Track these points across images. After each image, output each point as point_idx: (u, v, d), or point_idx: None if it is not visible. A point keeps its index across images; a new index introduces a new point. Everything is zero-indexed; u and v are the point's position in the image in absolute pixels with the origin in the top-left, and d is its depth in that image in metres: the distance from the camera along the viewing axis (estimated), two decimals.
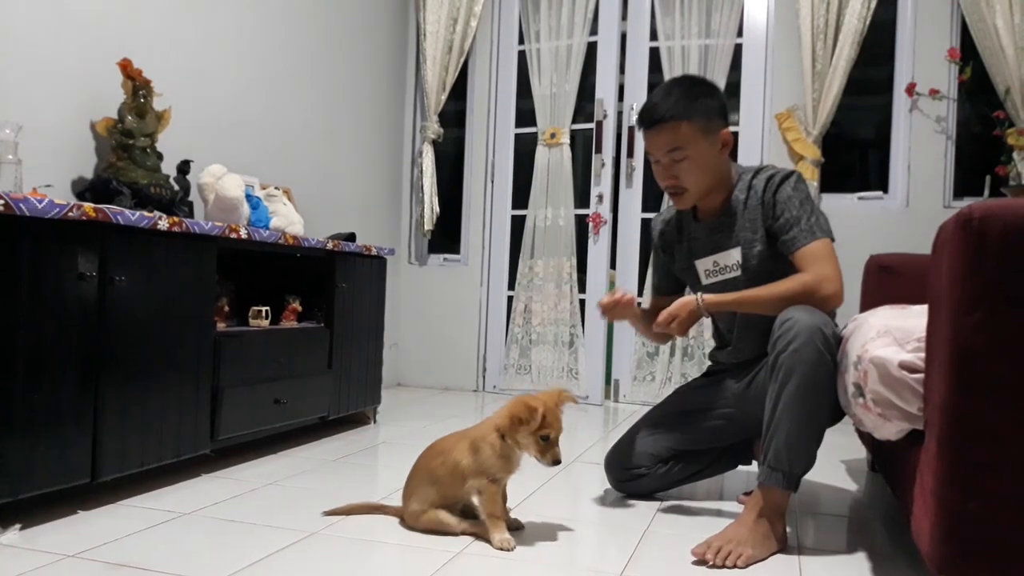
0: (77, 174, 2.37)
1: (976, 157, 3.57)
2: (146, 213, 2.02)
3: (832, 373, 1.70)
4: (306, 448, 2.73)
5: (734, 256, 2.01)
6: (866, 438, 2.27)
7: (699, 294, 1.97)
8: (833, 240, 1.90)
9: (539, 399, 1.75)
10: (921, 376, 1.35)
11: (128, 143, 2.37)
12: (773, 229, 1.93)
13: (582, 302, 4.11)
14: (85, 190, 2.32)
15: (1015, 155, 3.29)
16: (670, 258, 2.23)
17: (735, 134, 3.80)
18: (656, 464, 2.15)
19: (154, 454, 2.09)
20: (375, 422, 3.28)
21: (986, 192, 3.35)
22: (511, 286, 4.29)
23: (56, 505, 1.89)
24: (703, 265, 2.09)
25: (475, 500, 1.82)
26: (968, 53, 3.44)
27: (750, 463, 2.25)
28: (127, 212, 1.95)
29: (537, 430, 1.71)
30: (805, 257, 1.87)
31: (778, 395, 1.72)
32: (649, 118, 1.97)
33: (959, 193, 3.56)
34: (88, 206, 1.83)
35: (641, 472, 2.15)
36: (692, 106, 1.93)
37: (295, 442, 2.79)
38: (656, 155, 1.99)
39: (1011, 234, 1.13)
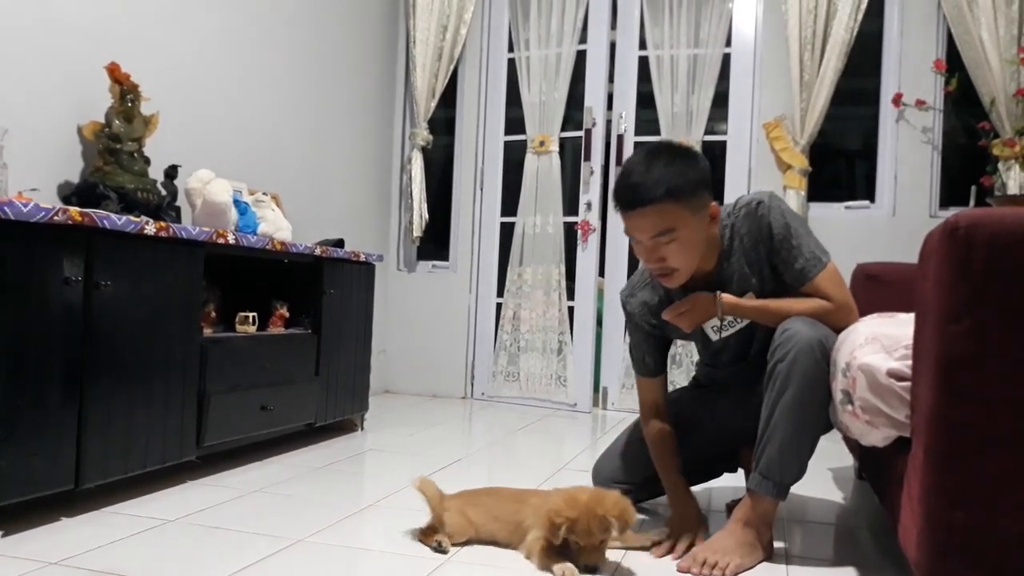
0: (63, 178, 2.35)
1: (961, 168, 3.60)
2: (133, 218, 2.01)
3: (827, 387, 1.68)
4: (293, 455, 2.72)
5: None
6: (853, 446, 2.27)
7: (718, 292, 1.87)
8: (829, 258, 1.87)
9: (579, 506, 1.60)
10: (908, 384, 1.35)
11: (115, 147, 2.36)
12: (775, 263, 1.86)
13: (571, 309, 4.11)
14: (71, 194, 2.31)
15: (1000, 166, 3.31)
16: (658, 332, 2.04)
17: (723, 143, 3.84)
18: (644, 478, 2.14)
19: (139, 461, 2.07)
20: (362, 429, 3.27)
21: (971, 202, 3.37)
22: (500, 293, 4.29)
23: (39, 512, 1.87)
24: (711, 324, 1.97)
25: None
26: (954, 64, 3.47)
27: (735, 471, 2.25)
28: (113, 216, 1.93)
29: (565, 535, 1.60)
30: (819, 288, 1.82)
31: (774, 404, 1.71)
32: (629, 199, 1.76)
33: (945, 203, 3.59)
34: (74, 210, 1.82)
35: (629, 488, 2.14)
36: (677, 184, 1.73)
37: (282, 449, 2.78)
38: (639, 237, 1.80)
39: (997, 243, 1.13)
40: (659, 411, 2.05)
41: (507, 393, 4.20)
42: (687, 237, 1.77)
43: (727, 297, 1.85)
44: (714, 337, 1.99)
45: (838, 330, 1.74)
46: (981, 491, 1.17)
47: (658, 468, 2.03)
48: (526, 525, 1.73)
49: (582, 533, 1.58)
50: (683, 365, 3.84)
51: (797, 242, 1.83)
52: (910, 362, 1.35)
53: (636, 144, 4.00)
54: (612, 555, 1.72)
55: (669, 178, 1.72)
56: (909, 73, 3.59)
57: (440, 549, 1.73)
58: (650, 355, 2.06)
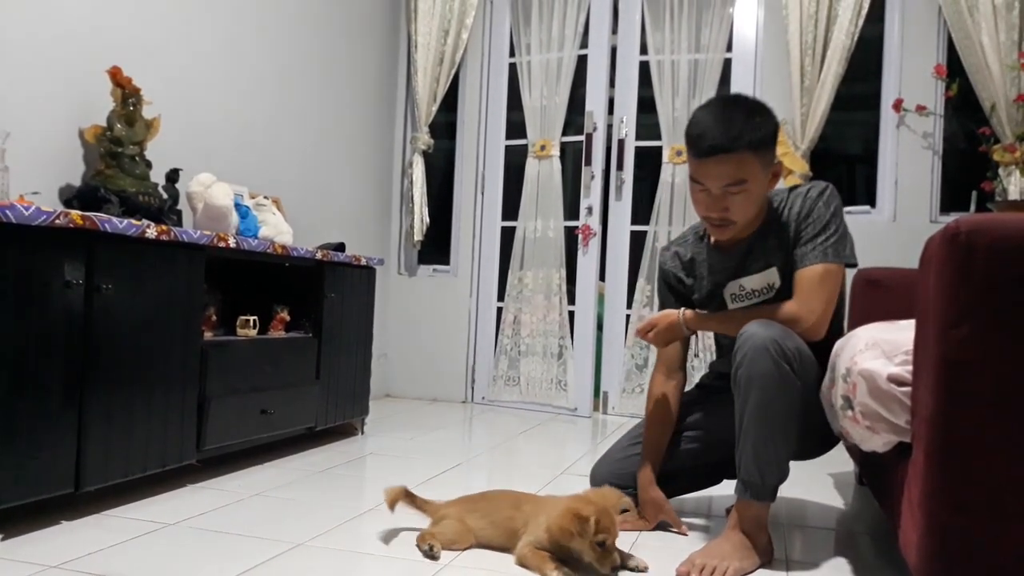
0: (65, 181, 2.36)
1: (962, 173, 3.60)
2: (134, 221, 2.01)
3: (793, 383, 1.68)
4: (293, 459, 2.72)
5: (768, 279, 1.93)
6: (853, 451, 2.27)
7: (681, 309, 1.97)
8: (851, 265, 1.87)
9: (592, 503, 1.63)
10: (909, 389, 1.35)
11: (117, 151, 2.36)
12: (798, 237, 1.88)
13: (571, 314, 4.11)
14: (73, 197, 2.31)
15: (1000, 171, 3.32)
16: (682, 292, 2.12)
17: None
18: None
19: (139, 464, 2.07)
20: (363, 433, 3.27)
21: (972, 207, 3.37)
22: (500, 297, 4.29)
23: (39, 515, 1.87)
24: (730, 290, 2.00)
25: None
26: (954, 70, 3.48)
27: (735, 477, 2.24)
28: (115, 220, 1.94)
29: (593, 538, 1.59)
30: (801, 281, 1.84)
31: (742, 410, 1.73)
32: (709, 145, 1.77)
33: (945, 208, 3.59)
34: (75, 213, 1.82)
35: (629, 493, 2.14)
36: (758, 137, 1.76)
37: (282, 453, 2.77)
38: (709, 185, 1.81)
39: (997, 248, 1.14)
40: (670, 368, 2.10)
41: (507, 397, 4.20)
42: (754, 190, 1.81)
43: (690, 313, 1.97)
44: (731, 304, 2.01)
45: (805, 338, 1.76)
46: (982, 497, 1.17)
47: (644, 433, 2.10)
48: (521, 532, 1.73)
49: (610, 525, 1.60)
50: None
51: (824, 231, 1.84)
52: (910, 367, 1.35)
53: (637, 149, 4.01)
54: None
55: (751, 130, 1.76)
56: (910, 78, 3.59)
57: (431, 554, 1.72)
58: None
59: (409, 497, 1.88)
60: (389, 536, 1.87)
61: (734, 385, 1.75)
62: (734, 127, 1.76)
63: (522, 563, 1.68)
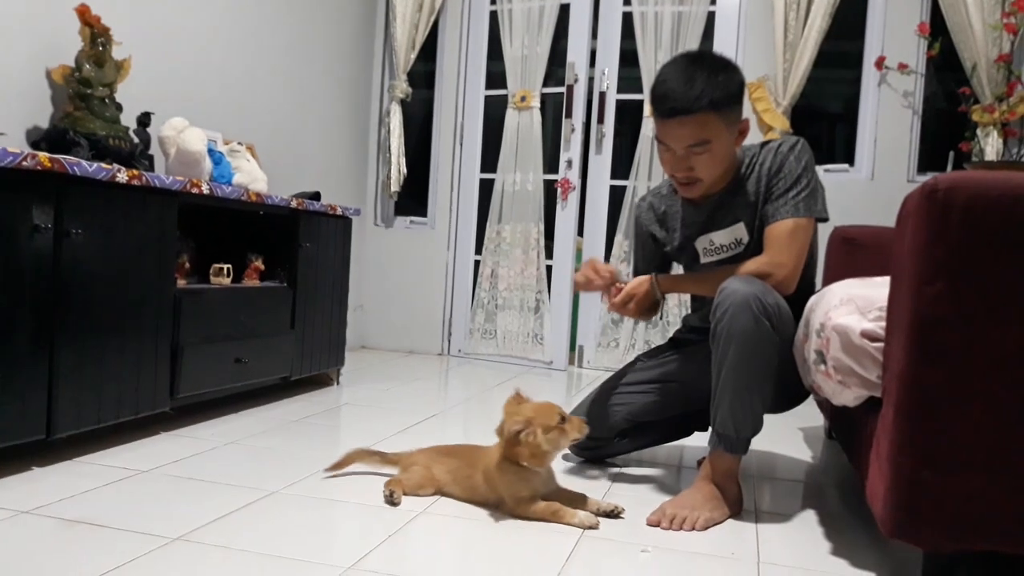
0: (32, 123, 2.29)
1: (941, 132, 3.61)
2: (104, 165, 1.96)
3: (772, 339, 1.70)
4: (267, 408, 2.71)
5: (735, 233, 1.95)
6: (824, 405, 2.31)
7: (654, 274, 1.97)
8: (822, 219, 1.88)
9: (522, 412, 1.71)
10: (881, 345, 1.36)
11: (86, 92, 2.30)
12: (769, 193, 1.88)
13: (549, 268, 4.10)
14: (40, 140, 2.25)
15: (979, 132, 3.33)
16: (656, 243, 2.14)
17: None
18: (616, 435, 2.16)
19: (112, 411, 2.06)
20: (338, 384, 3.27)
21: (949, 167, 3.39)
22: (478, 250, 4.27)
23: (11, 461, 1.86)
24: (701, 244, 2.01)
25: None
26: (937, 29, 3.46)
27: (707, 428, 2.28)
28: (84, 163, 1.89)
29: (544, 430, 1.67)
30: (771, 236, 1.85)
31: (720, 364, 1.74)
32: (670, 107, 1.77)
33: (923, 168, 3.61)
34: (43, 156, 1.77)
35: (601, 443, 2.16)
36: (720, 96, 1.76)
37: (256, 402, 2.77)
38: (672, 145, 1.82)
39: (975, 205, 1.14)
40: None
41: (484, 350, 4.21)
42: (718, 150, 1.82)
43: (663, 277, 1.98)
44: (703, 258, 2.02)
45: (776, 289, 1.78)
46: (948, 450, 1.19)
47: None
48: (481, 489, 1.76)
49: (543, 423, 1.67)
50: (658, 326, 3.86)
51: (795, 185, 1.85)
52: (884, 323, 1.37)
53: (618, 102, 3.97)
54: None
55: (712, 90, 1.75)
56: (893, 36, 3.57)
57: (390, 500, 1.75)
58: (643, 262, 2.18)
59: (371, 456, 1.93)
60: (364, 485, 1.88)
61: (713, 339, 1.76)
62: (695, 87, 1.75)
63: (529, 517, 1.69)
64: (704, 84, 1.75)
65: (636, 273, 2.16)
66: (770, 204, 1.88)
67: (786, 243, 1.83)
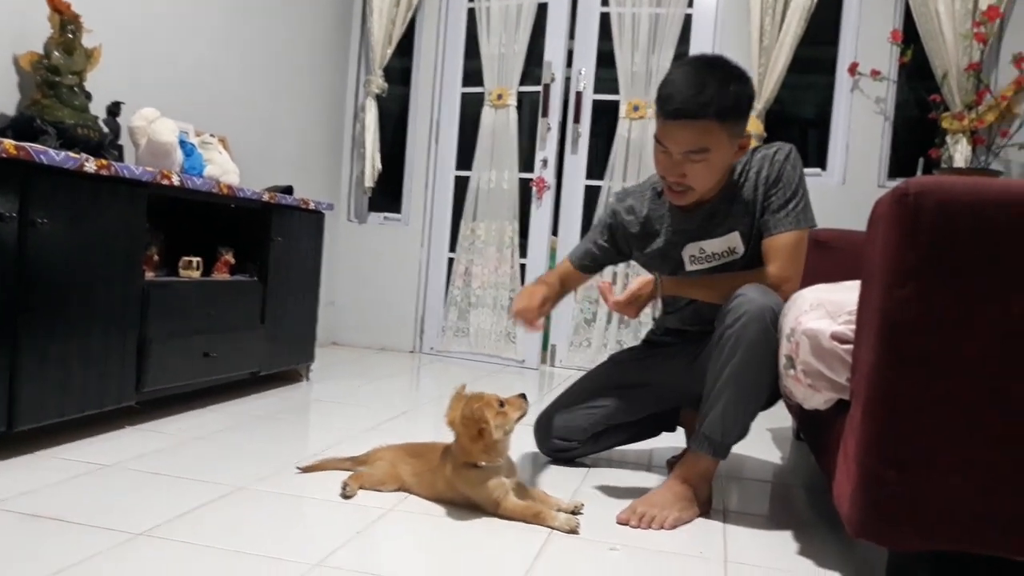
0: None
1: (911, 139, 3.66)
2: (72, 154, 1.93)
3: (775, 352, 1.69)
4: (236, 403, 2.68)
5: (729, 243, 1.92)
6: (793, 408, 2.32)
7: (659, 276, 1.96)
8: (814, 226, 1.88)
9: (456, 405, 1.72)
10: (851, 347, 1.37)
11: (54, 80, 2.26)
12: (766, 204, 1.87)
13: (523, 267, 4.10)
14: (6, 127, 2.19)
15: (948, 139, 3.38)
16: (617, 246, 2.10)
17: None
18: (587, 437, 2.16)
19: (75, 404, 2.02)
20: (308, 380, 3.24)
21: (918, 173, 3.44)
22: (452, 248, 4.26)
23: None
24: (689, 251, 1.97)
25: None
26: (910, 36, 3.51)
27: (674, 430, 2.29)
28: (51, 152, 1.86)
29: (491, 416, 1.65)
30: (774, 248, 1.84)
31: (721, 367, 1.72)
32: (675, 108, 1.72)
33: (893, 173, 3.65)
34: (9, 143, 1.74)
35: (573, 445, 2.17)
36: (728, 106, 1.72)
37: (224, 397, 2.74)
38: (670, 147, 1.77)
39: (945, 210, 1.15)
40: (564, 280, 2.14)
41: (456, 348, 4.20)
42: (716, 160, 1.78)
43: (667, 279, 1.95)
44: (689, 266, 1.98)
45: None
46: (915, 451, 1.20)
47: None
48: (445, 491, 1.76)
49: (484, 407, 1.65)
50: (631, 326, 3.87)
51: (793, 197, 1.85)
52: (854, 326, 1.38)
53: (594, 102, 3.98)
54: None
55: (722, 99, 1.71)
56: (866, 43, 3.61)
57: (343, 494, 1.75)
58: (594, 257, 2.11)
59: (343, 462, 1.94)
60: (333, 481, 1.86)
61: (717, 341, 1.74)
62: (705, 93, 1.70)
63: (509, 516, 1.68)
64: (715, 92, 1.71)
65: (579, 263, 2.12)
66: (770, 215, 1.86)
67: (793, 255, 1.83)
